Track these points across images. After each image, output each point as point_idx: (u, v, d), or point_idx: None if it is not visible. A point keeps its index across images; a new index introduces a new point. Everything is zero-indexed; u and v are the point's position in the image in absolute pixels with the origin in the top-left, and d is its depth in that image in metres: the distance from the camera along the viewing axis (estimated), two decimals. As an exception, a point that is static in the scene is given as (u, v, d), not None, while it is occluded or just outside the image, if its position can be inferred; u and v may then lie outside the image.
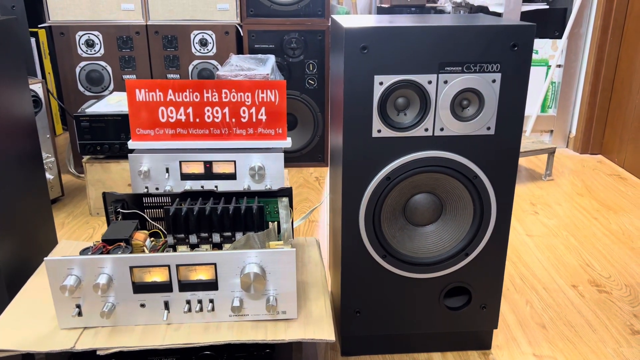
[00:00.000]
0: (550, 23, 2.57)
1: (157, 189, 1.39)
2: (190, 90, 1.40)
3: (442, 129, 1.04)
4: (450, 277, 1.16)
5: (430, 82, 1.01)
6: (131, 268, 0.92)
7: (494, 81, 1.02)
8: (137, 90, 1.37)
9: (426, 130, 1.04)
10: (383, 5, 4.36)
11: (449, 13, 3.68)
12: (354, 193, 1.08)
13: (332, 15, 1.24)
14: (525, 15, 2.51)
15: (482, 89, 1.02)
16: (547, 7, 2.55)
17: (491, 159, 1.07)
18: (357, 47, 0.98)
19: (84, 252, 0.99)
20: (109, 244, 1.01)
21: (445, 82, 1.01)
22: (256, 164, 1.39)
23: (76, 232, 1.80)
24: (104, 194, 1.16)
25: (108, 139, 1.81)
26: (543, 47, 2.59)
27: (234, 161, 1.41)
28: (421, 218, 1.13)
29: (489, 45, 1.00)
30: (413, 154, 1.05)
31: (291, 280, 0.95)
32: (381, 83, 1.00)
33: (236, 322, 0.96)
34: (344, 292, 1.16)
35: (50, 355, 0.93)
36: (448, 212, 1.13)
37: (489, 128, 1.05)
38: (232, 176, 1.42)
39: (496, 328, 1.21)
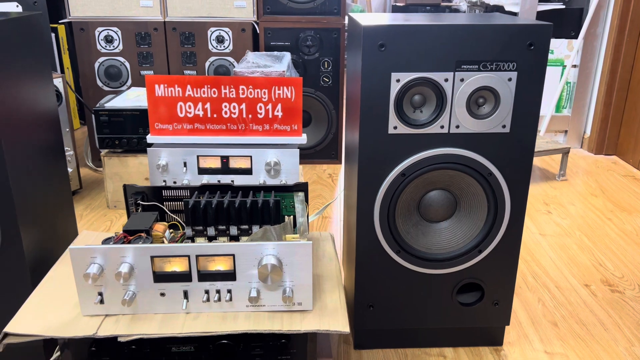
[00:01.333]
0: (566, 23, 2.57)
1: (174, 182, 1.41)
2: (208, 86, 1.42)
3: (457, 127, 1.06)
4: (463, 273, 1.17)
5: (446, 80, 1.02)
6: (152, 258, 0.94)
7: (510, 80, 1.03)
8: (156, 86, 1.40)
9: (442, 127, 1.06)
10: (398, 4, 4.36)
11: (464, 12, 3.68)
12: (369, 189, 1.10)
13: (349, 13, 1.25)
14: (541, 15, 2.50)
15: (498, 88, 1.03)
16: (563, 7, 2.54)
17: (506, 156, 1.08)
18: (375, 45, 1.00)
19: (105, 242, 1.01)
20: (130, 235, 1.04)
21: (462, 80, 1.02)
22: (272, 159, 1.41)
23: (94, 224, 1.84)
24: (125, 186, 1.19)
25: (126, 133, 1.84)
26: (559, 47, 2.58)
27: (250, 156, 1.43)
28: (435, 214, 1.14)
29: (505, 44, 1.01)
30: (428, 151, 1.07)
31: (307, 272, 0.97)
32: (398, 80, 1.02)
33: (253, 312, 0.99)
34: (358, 286, 1.17)
35: (72, 341, 0.96)
36: (462, 209, 1.14)
37: (504, 126, 1.06)
38: (248, 171, 1.44)
39: (508, 324, 1.22)
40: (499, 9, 2.72)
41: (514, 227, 1.13)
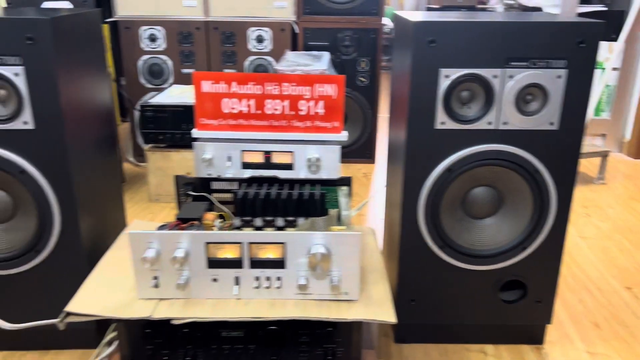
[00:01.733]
0: (607, 25, 2.53)
1: (219, 176, 1.45)
2: (253, 82, 1.46)
3: (505, 123, 1.07)
4: (506, 271, 1.18)
5: (495, 77, 1.04)
6: (207, 244, 0.98)
7: (559, 77, 1.03)
8: (202, 82, 1.44)
9: (489, 123, 1.07)
10: (433, 6, 4.35)
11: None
12: (415, 184, 1.11)
13: (395, 12, 1.27)
14: (581, 17, 2.48)
15: (547, 85, 1.04)
16: (605, 9, 2.51)
17: (553, 154, 1.08)
18: (425, 41, 1.01)
19: (160, 229, 1.05)
20: (182, 222, 1.08)
21: (511, 76, 1.03)
22: (313, 155, 1.43)
23: (137, 216, 1.89)
24: (176, 177, 1.23)
25: (170, 128, 1.90)
26: (599, 50, 2.54)
27: (292, 152, 1.45)
28: (480, 211, 1.15)
29: (556, 41, 1.01)
30: (475, 147, 1.08)
31: (355, 262, 0.99)
32: (447, 76, 1.03)
33: (301, 300, 1.01)
34: (401, 280, 1.19)
35: (128, 322, 1.00)
36: (507, 206, 1.15)
37: (552, 123, 1.07)
38: (289, 166, 1.47)
39: (550, 323, 1.22)
40: (537, 10, 2.70)
41: (559, 225, 1.13)
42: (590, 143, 2.34)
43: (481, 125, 1.07)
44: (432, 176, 1.09)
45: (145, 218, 1.88)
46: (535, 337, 1.25)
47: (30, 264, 1.12)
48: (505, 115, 1.06)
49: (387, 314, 0.98)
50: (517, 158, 1.08)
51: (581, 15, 2.47)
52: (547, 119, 1.06)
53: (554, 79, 1.03)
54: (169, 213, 1.92)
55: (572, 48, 1.02)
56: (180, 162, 1.94)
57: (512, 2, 3.18)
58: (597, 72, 2.56)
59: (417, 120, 1.07)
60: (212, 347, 1.03)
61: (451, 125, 1.07)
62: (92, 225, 1.18)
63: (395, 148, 1.24)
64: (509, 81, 1.04)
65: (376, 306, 1.01)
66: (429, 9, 4.18)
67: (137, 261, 0.97)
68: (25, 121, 1.03)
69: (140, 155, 2.42)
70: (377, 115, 2.41)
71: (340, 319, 0.96)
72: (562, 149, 1.08)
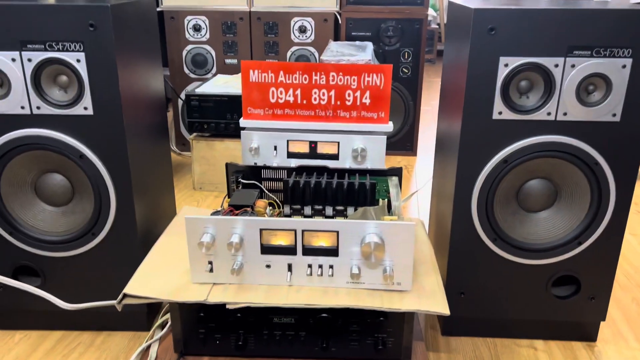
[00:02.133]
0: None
1: (264, 164, 1.46)
2: (300, 72, 1.46)
3: (565, 114, 1.04)
4: (559, 265, 1.15)
5: (556, 66, 1.01)
6: (261, 230, 0.98)
7: (624, 67, 1.00)
8: (251, 71, 1.44)
9: (548, 114, 1.04)
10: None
11: (546, 5, 3.55)
12: (469, 176, 1.09)
13: (450, 0, 1.25)
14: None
15: (610, 75, 1.00)
16: (659, -2, 2.41)
17: (614, 146, 1.05)
18: (485, 28, 0.99)
19: (214, 214, 1.07)
20: (235, 209, 1.09)
21: (573, 66, 1.00)
22: (359, 146, 1.43)
23: (181, 204, 1.92)
24: (227, 164, 1.25)
25: (215, 118, 1.92)
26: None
27: (338, 142, 1.45)
28: (534, 203, 1.12)
29: (621, 30, 0.98)
30: (533, 138, 1.05)
31: (409, 252, 0.98)
32: (506, 65, 1.01)
33: (353, 289, 1.01)
34: (450, 272, 1.17)
35: (182, 305, 1.02)
36: (563, 199, 1.12)
37: (614, 115, 1.03)
38: (335, 157, 1.46)
39: (604, 320, 1.19)
40: (587, 1, 2.62)
41: (618, 219, 1.10)
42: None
43: (540, 115, 1.04)
44: (487, 168, 1.07)
45: (191, 206, 1.91)
46: (587, 334, 1.22)
47: (87, 247, 1.15)
48: (565, 106, 1.03)
49: (440, 306, 0.97)
50: (576, 150, 1.05)
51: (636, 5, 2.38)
52: (609, 110, 1.03)
53: (618, 68, 1.00)
54: (213, 201, 1.94)
55: (637, 36, 0.98)
56: (224, 152, 1.96)
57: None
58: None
59: (474, 111, 1.05)
60: (263, 333, 1.04)
61: (509, 115, 1.04)
62: (145, 210, 1.20)
63: (447, 139, 1.22)
64: (571, 71, 1.01)
65: (428, 297, 1.00)
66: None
67: (192, 246, 0.99)
68: (85, 107, 1.05)
69: (182, 144, 2.46)
70: (419, 107, 2.39)
71: (394, 309, 0.96)
72: (623, 142, 1.05)
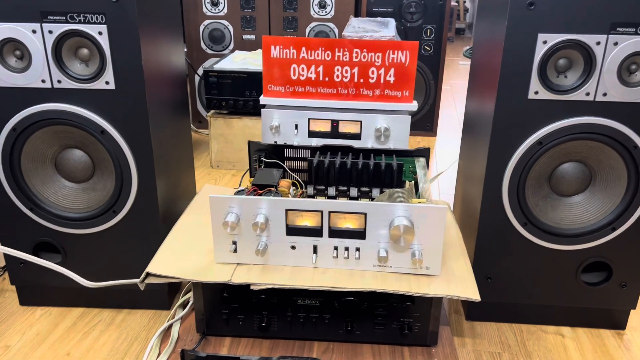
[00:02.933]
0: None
1: (285, 143, 1.43)
2: (323, 48, 1.41)
3: (604, 94, 0.99)
4: (591, 251, 1.11)
5: (598, 43, 0.96)
6: (287, 211, 0.96)
7: (670, 45, 0.95)
8: (272, 47, 1.40)
9: (587, 94, 0.99)
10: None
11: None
12: (501, 157, 1.05)
13: (484, -27, 1.19)
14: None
15: (656, 53, 0.95)
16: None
17: (656, 129, 1.00)
18: (524, 3, 0.94)
19: (237, 194, 1.04)
20: (259, 189, 1.06)
21: (615, 43, 0.95)
22: (382, 125, 1.39)
23: (198, 182, 1.90)
24: (249, 142, 1.22)
25: (233, 95, 1.88)
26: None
27: (360, 121, 1.41)
28: (567, 187, 1.08)
29: (669, 5, 0.93)
30: (570, 119, 1.01)
31: (439, 236, 0.95)
32: (545, 42, 0.96)
33: (379, 272, 0.99)
34: (477, 257, 1.14)
35: (205, 285, 1.00)
36: (597, 183, 1.08)
37: (657, 96, 0.98)
38: (357, 136, 1.43)
39: (634, 308, 1.16)
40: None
41: (655, 206, 1.06)
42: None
43: (578, 96, 0.99)
44: (520, 149, 1.03)
45: (209, 184, 1.89)
46: (617, 322, 1.19)
47: (108, 224, 1.13)
48: (605, 86, 0.98)
49: (470, 291, 0.95)
50: (615, 132, 1.01)
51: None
52: (652, 90, 0.98)
53: (664, 47, 0.95)
54: (231, 179, 1.92)
55: (688, 13, 0.93)
56: (242, 129, 1.93)
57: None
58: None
59: (508, 90, 1.00)
60: (287, 315, 1.02)
61: (545, 95, 1.00)
62: (167, 187, 1.18)
63: (478, 119, 1.18)
64: (613, 49, 0.96)
65: (458, 282, 0.97)
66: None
67: (217, 225, 0.97)
68: (107, 81, 1.02)
69: (199, 121, 2.43)
70: (440, 86, 2.33)
71: (423, 294, 0.93)
72: (665, 124, 1.00)
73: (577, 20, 0.95)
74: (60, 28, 0.99)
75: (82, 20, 0.98)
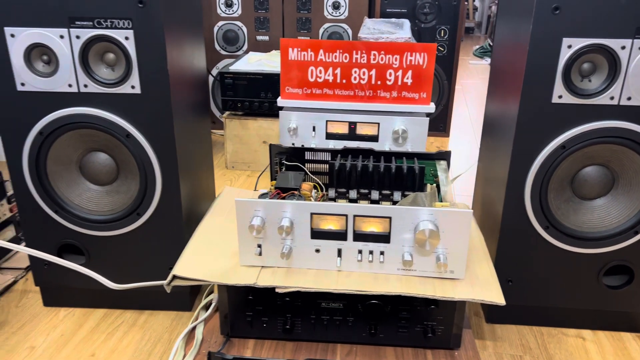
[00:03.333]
0: None
1: (302, 145, 1.43)
2: (341, 51, 1.42)
3: (629, 98, 0.99)
4: (613, 255, 1.11)
5: (623, 48, 0.96)
6: (312, 214, 0.96)
7: (696, 49, 0.95)
8: (290, 49, 1.41)
9: (612, 98, 0.99)
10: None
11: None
12: (524, 161, 1.06)
13: (505, -24, 1.19)
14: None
15: (681, 57, 0.95)
16: None
17: (680, 133, 1.00)
18: (549, 7, 0.95)
19: (261, 197, 1.05)
20: (282, 192, 1.07)
21: (641, 48, 0.95)
22: (399, 127, 1.39)
23: (215, 183, 1.91)
24: (271, 145, 1.22)
25: (248, 96, 1.89)
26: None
27: (378, 123, 1.42)
28: (590, 191, 1.09)
29: (695, 10, 0.93)
30: (594, 123, 1.01)
31: (464, 240, 0.96)
32: (569, 46, 0.97)
33: (404, 276, 0.99)
34: (499, 259, 1.15)
35: (230, 288, 1.01)
36: (620, 187, 1.08)
37: (682, 100, 0.98)
38: (374, 138, 1.44)
39: (656, 312, 1.16)
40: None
41: (678, 209, 1.06)
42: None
43: (602, 100, 1.00)
44: (543, 153, 1.04)
45: (223, 185, 1.90)
46: (638, 325, 1.19)
47: (132, 227, 1.14)
48: (630, 90, 0.99)
49: (495, 295, 0.95)
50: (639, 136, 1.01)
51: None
52: (677, 95, 0.98)
53: (690, 51, 0.95)
54: (246, 180, 1.93)
55: None
56: (257, 130, 1.94)
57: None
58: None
59: (532, 94, 1.01)
60: (311, 317, 1.03)
61: (569, 99, 1.00)
62: (189, 189, 1.19)
63: (500, 121, 1.18)
64: (638, 53, 0.96)
65: (482, 286, 0.98)
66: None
67: (242, 228, 0.97)
68: (133, 85, 1.03)
69: (213, 122, 2.44)
70: (454, 86, 2.33)
71: (448, 298, 0.94)
72: (690, 128, 1.00)
73: (602, 25, 0.95)
74: (87, 33, 1.00)
75: (109, 26, 0.99)
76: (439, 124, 2.40)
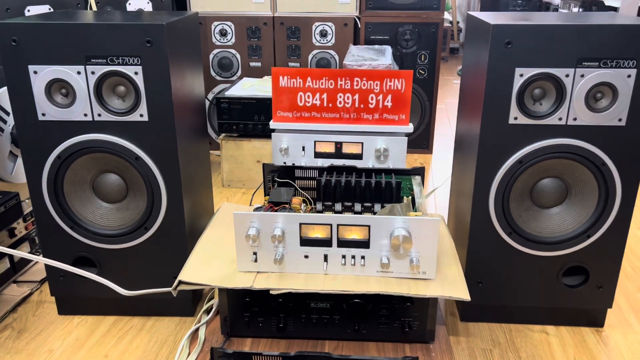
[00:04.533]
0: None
1: (293, 164, 1.57)
2: (326, 78, 1.57)
3: (575, 119, 1.14)
4: (570, 257, 1.25)
5: (567, 76, 1.11)
6: (300, 225, 1.10)
7: (629, 76, 1.10)
8: (280, 77, 1.55)
9: (560, 119, 1.14)
10: (486, -3, 4.34)
11: (558, 5, 3.64)
12: (487, 175, 1.20)
13: (469, 12, 1.35)
14: (643, 10, 2.47)
15: (617, 83, 1.11)
16: (668, 1, 2.49)
17: (620, 148, 1.15)
18: (502, 42, 1.10)
19: (256, 210, 1.18)
20: (275, 205, 1.21)
21: (582, 75, 1.11)
22: (381, 146, 1.53)
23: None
24: (264, 165, 1.36)
25: (243, 119, 2.03)
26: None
27: (362, 143, 1.56)
28: (547, 200, 1.23)
29: (626, 43, 1.08)
30: (546, 141, 1.16)
31: (433, 245, 1.09)
32: (521, 75, 1.12)
33: (382, 277, 1.13)
34: (469, 263, 1.28)
35: (230, 291, 1.13)
36: (573, 196, 1.22)
37: (620, 120, 1.13)
38: (359, 156, 1.58)
39: (610, 307, 1.30)
40: (598, 3, 2.70)
41: (623, 215, 1.20)
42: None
43: (552, 120, 1.15)
44: (503, 167, 1.18)
45: (221, 202, 2.03)
46: (595, 320, 1.33)
47: (139, 240, 1.27)
48: (575, 112, 1.13)
49: (461, 292, 1.09)
50: (585, 152, 1.16)
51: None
52: (615, 115, 1.13)
53: (623, 78, 1.10)
54: (242, 197, 2.06)
55: (642, 49, 1.08)
56: (251, 151, 2.08)
57: (571, -7, 3.17)
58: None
59: (492, 116, 1.15)
60: (301, 316, 1.16)
61: (523, 120, 1.15)
62: (191, 205, 1.32)
63: (466, 140, 1.33)
64: (580, 80, 1.11)
65: (451, 285, 1.11)
66: (483, 1, 4.18)
67: (240, 238, 1.11)
68: (141, 114, 1.17)
69: (209, 143, 2.57)
70: (435, 106, 2.49)
71: (420, 295, 1.07)
72: (629, 144, 1.15)
73: (548, 56, 1.10)
74: (101, 69, 1.14)
75: (121, 62, 1.13)
76: (422, 141, 2.55)
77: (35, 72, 1.14)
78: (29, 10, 1.87)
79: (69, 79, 1.14)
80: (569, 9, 3.15)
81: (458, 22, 5.33)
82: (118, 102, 1.18)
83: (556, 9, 3.67)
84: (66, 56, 1.13)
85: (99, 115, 1.17)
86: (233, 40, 2.40)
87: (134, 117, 1.18)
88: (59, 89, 1.17)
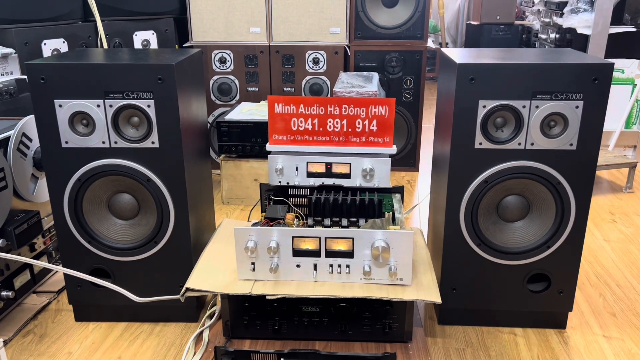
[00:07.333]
0: (636, 44, 2.71)
1: (287, 183, 1.73)
2: (318, 105, 1.73)
3: (532, 144, 1.31)
4: (533, 265, 1.41)
5: (524, 107, 1.28)
6: (293, 237, 1.26)
7: (577, 107, 1.27)
8: (276, 104, 1.72)
9: (519, 144, 1.31)
10: (472, 23, 4.56)
11: (537, 31, 3.84)
12: (457, 193, 1.36)
13: (441, 49, 1.53)
14: (612, 37, 2.66)
15: (567, 113, 1.28)
16: (635, 29, 2.69)
17: (572, 169, 1.32)
18: (467, 78, 1.27)
19: (254, 225, 1.34)
20: (270, 221, 1.36)
21: (537, 107, 1.28)
22: (367, 166, 1.70)
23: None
24: (261, 184, 1.52)
25: (241, 141, 2.20)
26: (629, 67, 2.73)
27: (350, 163, 1.72)
28: (511, 215, 1.39)
29: (574, 79, 1.25)
30: (507, 163, 1.32)
31: (409, 254, 1.25)
32: (484, 106, 1.29)
33: (365, 283, 1.28)
34: (444, 271, 1.44)
35: (232, 297, 1.29)
36: (534, 211, 1.39)
37: (571, 144, 1.30)
38: (347, 175, 1.74)
39: (571, 310, 1.45)
40: (572, 31, 2.90)
41: (578, 227, 1.37)
42: (620, 154, 2.52)
43: (512, 145, 1.31)
44: (471, 186, 1.34)
45: (221, 218, 2.19)
46: (558, 322, 1.48)
47: (149, 253, 1.42)
48: (532, 138, 1.30)
49: (434, 296, 1.24)
50: (543, 172, 1.32)
51: (612, 35, 2.66)
52: (567, 140, 1.30)
53: (572, 109, 1.27)
54: (240, 213, 2.22)
55: (587, 84, 1.25)
56: (249, 170, 2.25)
57: (548, 20, 3.37)
58: (627, 88, 2.74)
59: (460, 141, 1.32)
60: (294, 319, 1.31)
61: (487, 145, 1.32)
62: (196, 222, 1.48)
63: (440, 161, 1.49)
64: (535, 110, 1.28)
65: (425, 290, 1.27)
66: (469, 27, 4.39)
67: (240, 250, 1.26)
68: (153, 141, 1.33)
69: (211, 163, 2.74)
70: (420, 127, 2.66)
71: (397, 299, 1.23)
72: (580, 165, 1.31)
73: (508, 90, 1.27)
74: (118, 103, 1.30)
75: (135, 97, 1.30)
76: (409, 159, 2.72)
77: (60, 106, 1.30)
78: (45, 44, 2.05)
79: (89, 112, 1.31)
80: (547, 34, 3.35)
81: (447, 44, 5.55)
82: (132, 131, 1.34)
83: (536, 34, 3.88)
84: (87, 91, 1.29)
85: (115, 142, 1.33)
86: (232, 67, 2.58)
87: (146, 144, 1.34)
88: (81, 119, 1.33)
